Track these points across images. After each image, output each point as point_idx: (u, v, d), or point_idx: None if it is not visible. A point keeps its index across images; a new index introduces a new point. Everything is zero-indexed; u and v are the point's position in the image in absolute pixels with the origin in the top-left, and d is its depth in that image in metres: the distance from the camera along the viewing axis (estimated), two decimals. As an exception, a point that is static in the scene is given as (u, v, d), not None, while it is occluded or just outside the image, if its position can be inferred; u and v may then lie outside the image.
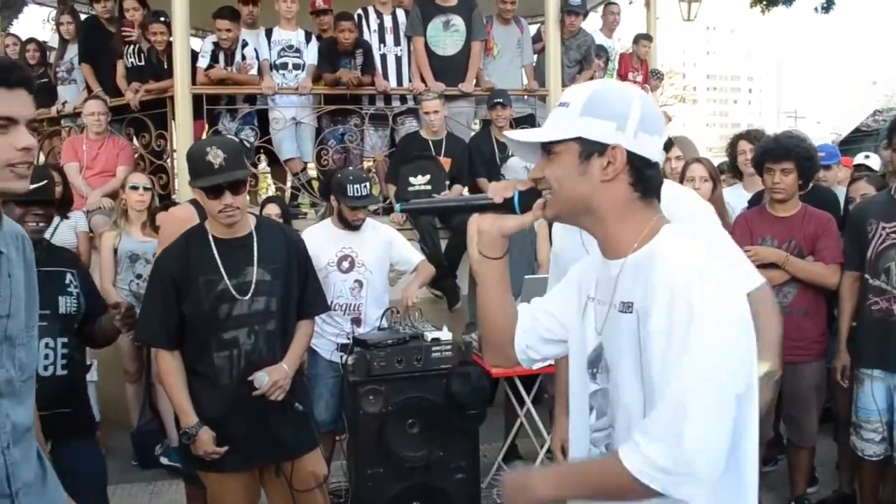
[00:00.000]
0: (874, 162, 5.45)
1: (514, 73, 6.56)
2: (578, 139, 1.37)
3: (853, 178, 4.83)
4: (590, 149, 1.36)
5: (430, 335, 3.47)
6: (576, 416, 1.54)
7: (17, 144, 1.45)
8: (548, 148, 1.41)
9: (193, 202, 3.53)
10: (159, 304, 2.72)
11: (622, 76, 7.62)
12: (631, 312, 1.35)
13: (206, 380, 2.71)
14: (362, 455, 3.36)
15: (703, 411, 1.23)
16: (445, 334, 3.49)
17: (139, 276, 4.58)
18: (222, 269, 2.68)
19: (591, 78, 7.02)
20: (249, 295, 2.69)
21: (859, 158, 5.66)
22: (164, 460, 4.51)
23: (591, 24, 7.81)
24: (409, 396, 3.34)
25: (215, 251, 2.70)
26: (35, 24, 11.49)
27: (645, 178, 1.38)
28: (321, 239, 3.80)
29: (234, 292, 2.67)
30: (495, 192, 1.47)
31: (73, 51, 6.46)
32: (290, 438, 2.79)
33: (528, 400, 4.13)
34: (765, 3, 12.51)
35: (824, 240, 3.51)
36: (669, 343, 1.25)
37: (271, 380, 2.69)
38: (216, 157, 2.57)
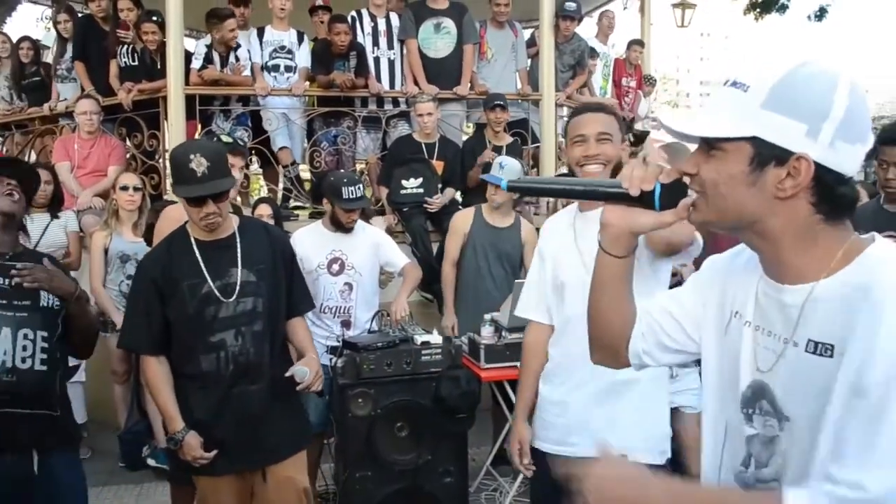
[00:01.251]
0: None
1: (508, 77, 6.57)
2: (753, 139, 1.06)
3: None
4: (767, 154, 1.06)
5: (419, 338, 3.47)
6: (713, 452, 1.29)
7: None
8: (710, 141, 1.11)
9: None
10: (142, 310, 2.69)
11: (616, 82, 7.66)
12: (831, 357, 1.07)
13: (193, 382, 2.68)
14: (350, 458, 3.35)
15: None
16: (435, 338, 3.49)
17: (129, 277, 4.56)
18: (206, 272, 2.66)
19: (585, 84, 7.05)
20: (235, 296, 2.66)
21: None
22: (151, 462, 4.50)
23: (587, 30, 7.84)
24: (399, 400, 3.34)
25: (198, 254, 2.68)
26: (29, 22, 11.43)
27: (833, 197, 1.07)
28: (312, 241, 3.80)
29: (218, 294, 2.65)
30: (632, 181, 1.21)
31: (70, 50, 6.44)
32: (278, 442, 2.77)
33: (517, 404, 4.11)
34: (758, 10, 12.56)
35: None
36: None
37: (312, 370, 2.68)
38: (199, 165, 2.51)
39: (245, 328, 2.68)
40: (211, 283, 2.66)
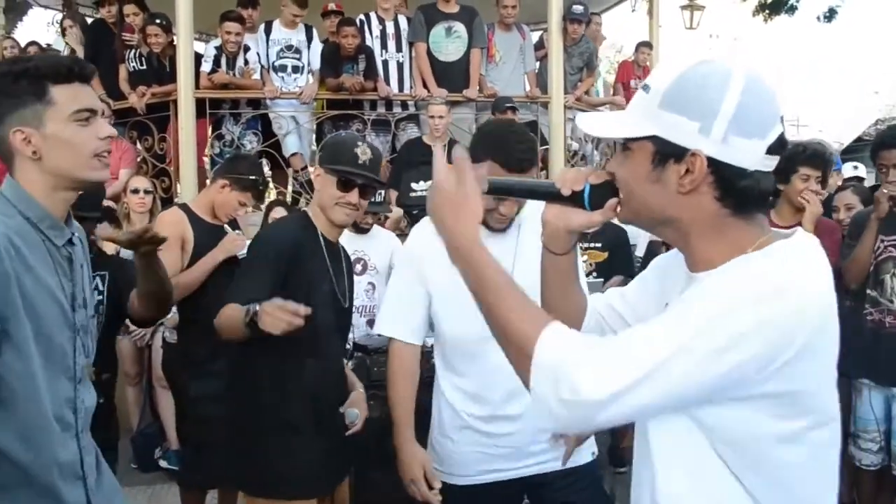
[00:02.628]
0: (863, 172, 5.49)
1: (516, 80, 6.59)
2: (654, 138, 1.11)
3: (840, 187, 4.84)
4: (665, 151, 1.10)
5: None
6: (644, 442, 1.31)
7: (99, 134, 1.57)
8: (623, 142, 1.17)
9: (183, 206, 3.54)
10: (267, 277, 2.27)
11: (624, 84, 7.66)
12: None
13: (298, 388, 2.40)
14: (361, 460, 3.35)
15: (639, 368, 1.00)
16: (445, 340, 3.49)
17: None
18: (332, 272, 2.48)
19: (594, 85, 7.06)
20: (348, 303, 2.58)
21: (848, 170, 5.67)
22: (163, 463, 4.52)
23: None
24: (409, 402, 3.34)
25: (325, 250, 2.47)
26: (39, 26, 11.53)
27: (737, 191, 1.09)
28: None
29: (339, 297, 2.53)
30: (564, 182, 1.25)
31: (81, 54, 6.48)
32: (351, 456, 2.63)
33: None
34: (767, 12, 12.54)
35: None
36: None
37: (362, 413, 2.55)
38: (364, 153, 2.39)
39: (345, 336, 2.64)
40: (336, 285, 2.51)
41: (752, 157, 1.08)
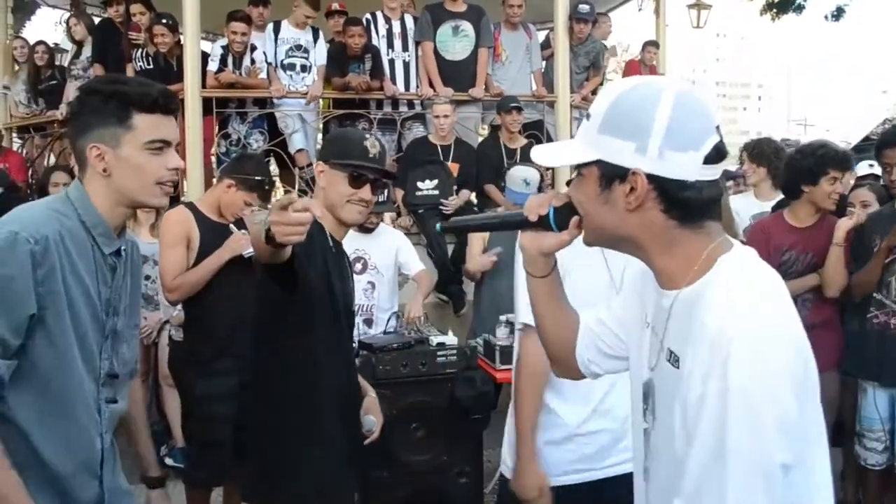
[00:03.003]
0: (878, 169, 5.45)
1: (522, 79, 6.59)
2: (598, 162, 1.17)
3: (855, 185, 4.81)
4: (610, 174, 1.16)
5: (435, 340, 3.48)
6: (635, 444, 1.38)
7: (168, 164, 1.68)
8: (575, 167, 1.23)
9: (189, 205, 3.55)
10: None
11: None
12: (678, 368, 1.16)
13: (319, 392, 2.25)
14: (366, 458, 3.36)
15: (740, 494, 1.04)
16: (451, 339, 3.51)
17: (147, 278, 4.61)
18: (340, 273, 2.37)
19: (600, 85, 7.05)
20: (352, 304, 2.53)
21: (863, 167, 5.64)
22: (169, 461, 4.53)
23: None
24: (414, 401, 3.35)
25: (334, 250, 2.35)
26: (47, 26, 11.57)
27: (680, 202, 1.14)
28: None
29: (348, 298, 2.46)
30: (530, 209, 1.33)
31: (86, 51, 6.52)
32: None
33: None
34: (775, 10, 12.50)
35: None
36: (700, 418, 1.07)
37: (378, 421, 2.52)
38: (373, 146, 2.27)
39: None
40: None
41: (690, 168, 1.13)
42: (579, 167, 1.21)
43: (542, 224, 1.32)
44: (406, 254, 4.08)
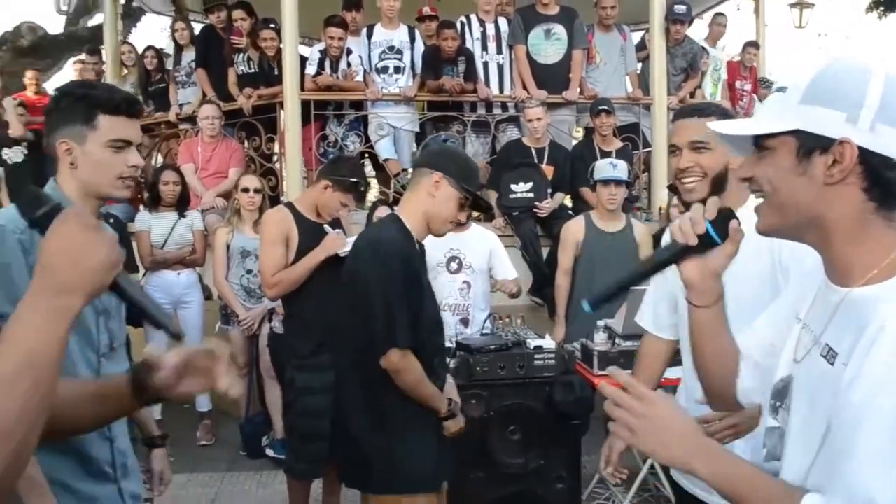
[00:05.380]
0: None
1: (617, 81, 6.50)
2: (796, 132, 1.12)
3: None
4: (811, 144, 1.10)
5: (532, 342, 3.46)
6: (746, 442, 1.35)
7: (128, 162, 1.85)
8: (759, 142, 1.17)
9: (288, 205, 3.66)
10: (410, 308, 2.36)
11: (730, 85, 7.45)
12: (832, 365, 1.10)
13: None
14: (463, 458, 3.38)
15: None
16: (548, 342, 3.48)
17: (249, 272, 4.77)
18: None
19: (698, 86, 6.89)
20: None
21: None
22: (269, 452, 4.67)
23: (695, 32, 7.67)
24: (511, 403, 3.34)
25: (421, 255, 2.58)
26: (153, 32, 12.12)
27: (884, 181, 1.09)
28: (430, 240, 3.88)
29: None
30: (685, 234, 1.27)
31: (189, 56, 6.78)
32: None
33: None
34: (882, 8, 11.93)
35: None
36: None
37: (457, 402, 2.58)
38: (478, 169, 2.53)
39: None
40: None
41: None
42: (766, 140, 1.16)
43: (704, 244, 1.26)
44: (498, 258, 4.05)
